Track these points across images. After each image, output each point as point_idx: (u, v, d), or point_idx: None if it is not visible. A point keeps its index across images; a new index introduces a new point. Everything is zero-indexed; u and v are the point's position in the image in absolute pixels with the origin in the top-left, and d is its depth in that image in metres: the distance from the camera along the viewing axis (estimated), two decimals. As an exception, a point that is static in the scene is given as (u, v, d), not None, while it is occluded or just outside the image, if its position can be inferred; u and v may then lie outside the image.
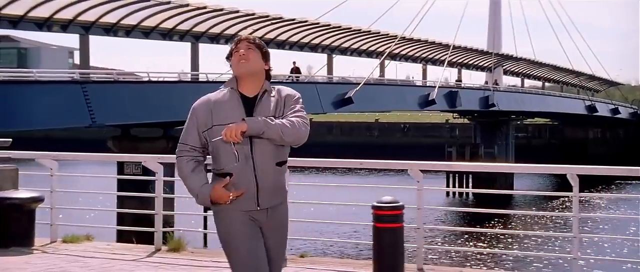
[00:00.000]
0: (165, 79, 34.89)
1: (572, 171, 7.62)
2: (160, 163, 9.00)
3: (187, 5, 34.53)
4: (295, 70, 43.34)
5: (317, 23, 42.68)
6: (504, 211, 33.79)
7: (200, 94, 4.65)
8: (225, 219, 4.53)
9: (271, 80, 4.62)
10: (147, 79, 34.45)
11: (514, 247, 27.87)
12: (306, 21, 41.65)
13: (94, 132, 48.55)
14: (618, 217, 39.82)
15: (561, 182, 50.78)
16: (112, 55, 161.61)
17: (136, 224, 11.03)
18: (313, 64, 66.23)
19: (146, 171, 9.84)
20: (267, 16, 38.96)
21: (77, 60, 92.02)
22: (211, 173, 4.53)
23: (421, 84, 51.06)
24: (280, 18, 39.87)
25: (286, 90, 4.54)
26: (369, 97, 41.56)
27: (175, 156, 4.57)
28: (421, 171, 8.20)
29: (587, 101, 66.56)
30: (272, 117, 4.39)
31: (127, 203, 21.87)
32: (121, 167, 28.16)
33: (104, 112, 27.37)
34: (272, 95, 4.48)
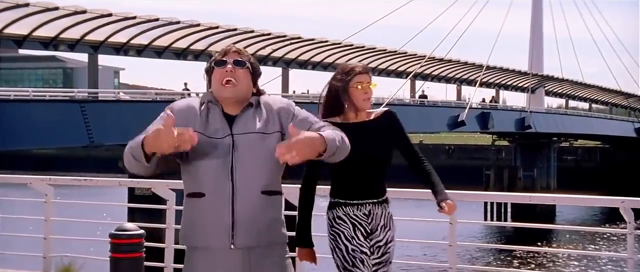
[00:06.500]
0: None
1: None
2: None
3: (198, 25, 34.90)
4: None
5: (338, 43, 42.65)
6: (547, 249, 32.16)
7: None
8: (187, 266, 3.48)
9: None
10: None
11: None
12: (326, 41, 41.70)
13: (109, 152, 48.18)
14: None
15: (611, 210, 48.12)
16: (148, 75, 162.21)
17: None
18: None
19: None
20: (284, 36, 39.04)
21: (123, 80, 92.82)
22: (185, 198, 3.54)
23: (453, 105, 50.04)
24: (299, 38, 39.96)
25: (277, 100, 3.55)
26: (390, 119, 41.00)
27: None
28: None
29: (636, 123, 64.53)
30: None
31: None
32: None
33: (104, 131, 27.46)
34: (257, 107, 3.51)
